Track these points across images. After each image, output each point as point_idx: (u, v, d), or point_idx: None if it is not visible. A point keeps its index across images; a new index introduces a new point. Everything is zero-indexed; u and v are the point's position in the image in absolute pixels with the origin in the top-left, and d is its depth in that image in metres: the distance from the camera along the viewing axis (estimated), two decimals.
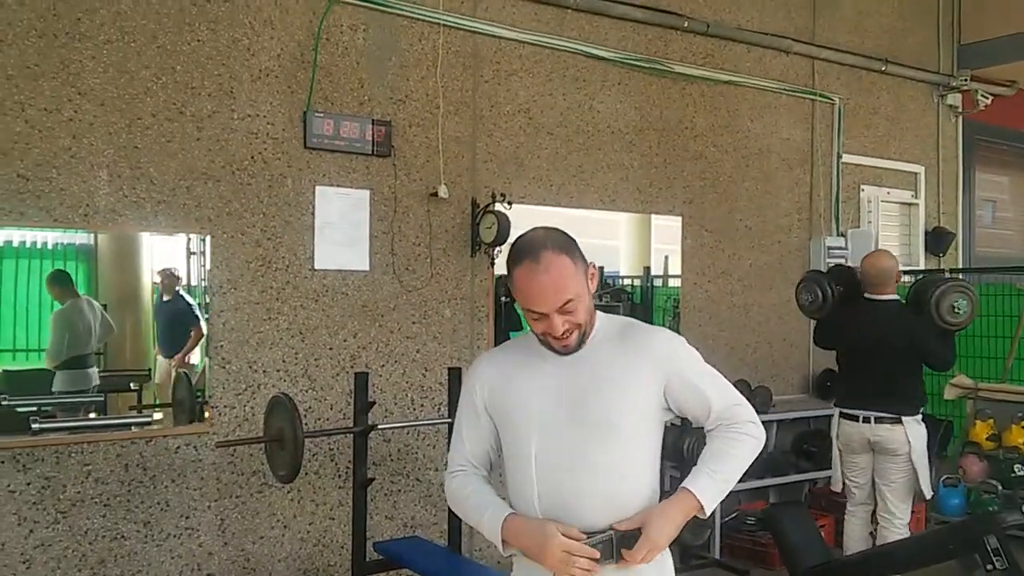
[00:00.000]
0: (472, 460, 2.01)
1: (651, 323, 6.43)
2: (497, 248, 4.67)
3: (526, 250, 1.84)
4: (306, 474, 4.02)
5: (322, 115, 4.21)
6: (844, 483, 4.40)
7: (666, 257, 5.92)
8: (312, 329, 4.18)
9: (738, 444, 1.93)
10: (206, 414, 3.96)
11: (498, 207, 4.59)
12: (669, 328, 5.94)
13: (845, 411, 4.31)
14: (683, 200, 5.56)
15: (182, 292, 4.19)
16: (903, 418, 4.19)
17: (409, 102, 4.49)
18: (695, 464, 1.96)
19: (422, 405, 4.48)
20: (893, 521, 4.25)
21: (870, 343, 4.24)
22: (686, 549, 4.68)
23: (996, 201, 7.99)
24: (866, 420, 4.22)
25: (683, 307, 5.63)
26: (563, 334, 1.83)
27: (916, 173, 6.77)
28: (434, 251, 4.56)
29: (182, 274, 4.22)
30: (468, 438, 2.01)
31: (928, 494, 4.31)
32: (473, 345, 4.67)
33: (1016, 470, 5.39)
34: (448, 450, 2.07)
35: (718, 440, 1.95)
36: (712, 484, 1.89)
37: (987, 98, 6.95)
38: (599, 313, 1.94)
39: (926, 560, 3.60)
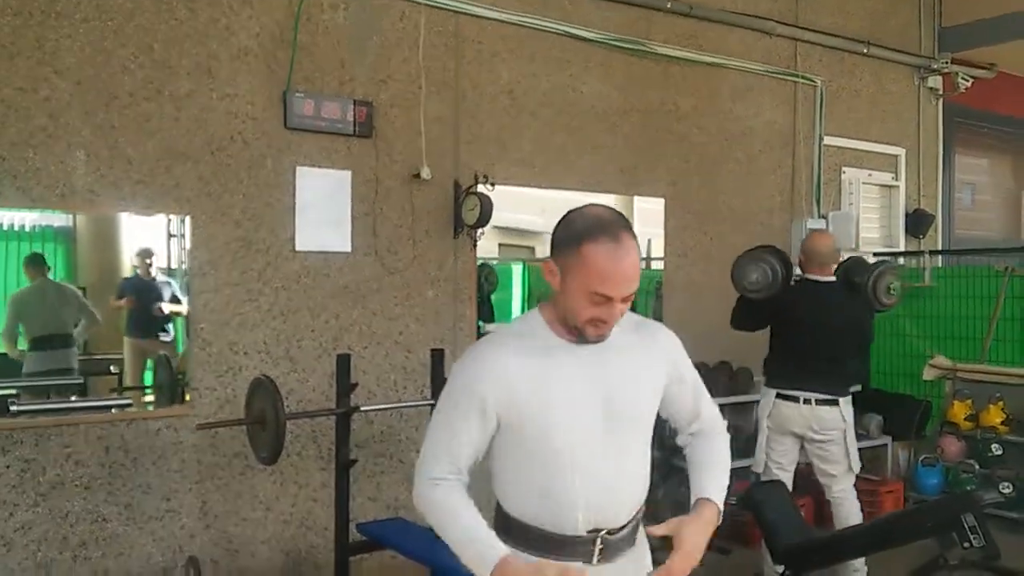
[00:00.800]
0: (461, 466, 1.83)
1: (633, 305, 6.52)
2: (480, 230, 4.66)
3: (602, 227, 1.71)
4: (288, 456, 4.01)
5: (303, 95, 4.17)
6: (767, 466, 4.33)
7: (649, 240, 5.92)
8: (294, 311, 4.16)
9: (725, 447, 2.04)
10: (187, 396, 3.94)
11: (481, 189, 4.58)
12: (653, 311, 6.01)
13: (784, 392, 4.25)
14: (666, 182, 5.56)
15: (159, 273, 4.19)
16: (839, 399, 4.24)
17: (391, 82, 4.46)
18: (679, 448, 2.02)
19: (405, 387, 4.47)
20: (849, 497, 4.30)
21: (817, 324, 4.23)
22: None
23: (975, 184, 8.04)
24: (807, 402, 4.22)
25: (666, 289, 5.64)
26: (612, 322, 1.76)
27: (897, 155, 6.79)
28: (416, 232, 4.54)
29: (162, 255, 4.20)
30: (465, 441, 1.81)
31: (857, 468, 4.35)
32: (456, 327, 4.67)
33: (993, 449, 5.47)
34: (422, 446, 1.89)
35: (710, 445, 2.02)
36: (721, 490, 1.96)
37: (967, 81, 6.96)
38: None
39: (904, 538, 3.64)
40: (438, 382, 3.84)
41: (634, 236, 1.76)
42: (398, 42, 4.48)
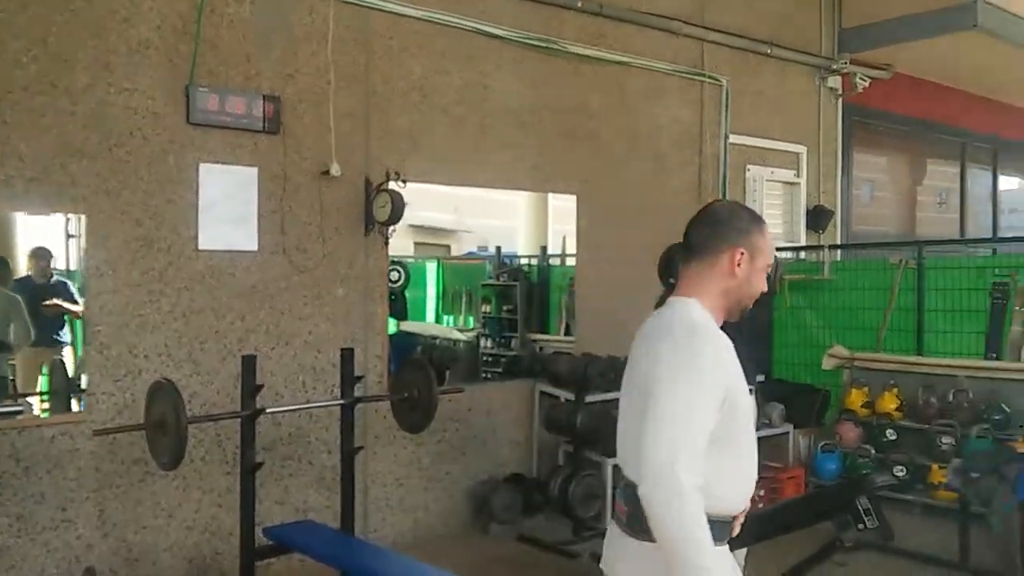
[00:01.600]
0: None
1: (547, 301, 6.58)
2: (391, 227, 4.63)
3: (755, 211, 2.05)
4: (192, 461, 3.93)
5: (206, 89, 4.07)
6: None
7: (564, 237, 5.99)
8: (197, 312, 4.06)
9: None
10: (83, 402, 3.81)
11: (392, 185, 4.55)
12: (566, 307, 6.06)
13: None
14: (578, 179, 5.61)
15: (55, 274, 4.05)
16: (752, 388, 4.35)
17: (299, 77, 4.39)
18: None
19: (314, 387, 4.41)
20: None
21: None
22: (579, 521, 4.79)
23: (874, 180, 8.36)
24: None
25: (577, 285, 5.71)
26: None
27: (798, 153, 7.00)
28: (326, 230, 4.49)
29: (59, 256, 4.06)
30: (706, 432, 1.75)
31: None
32: (367, 325, 4.63)
33: (888, 435, 5.70)
34: (661, 438, 1.73)
35: None
36: None
37: (865, 81, 7.23)
38: None
39: (803, 522, 3.76)
40: (348, 382, 3.81)
41: None
42: (306, 36, 4.40)
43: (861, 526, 3.38)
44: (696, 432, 1.73)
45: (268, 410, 3.59)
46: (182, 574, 4.02)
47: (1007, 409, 5.23)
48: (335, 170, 4.42)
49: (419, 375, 3.89)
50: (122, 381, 3.85)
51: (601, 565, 2.03)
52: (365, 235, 4.63)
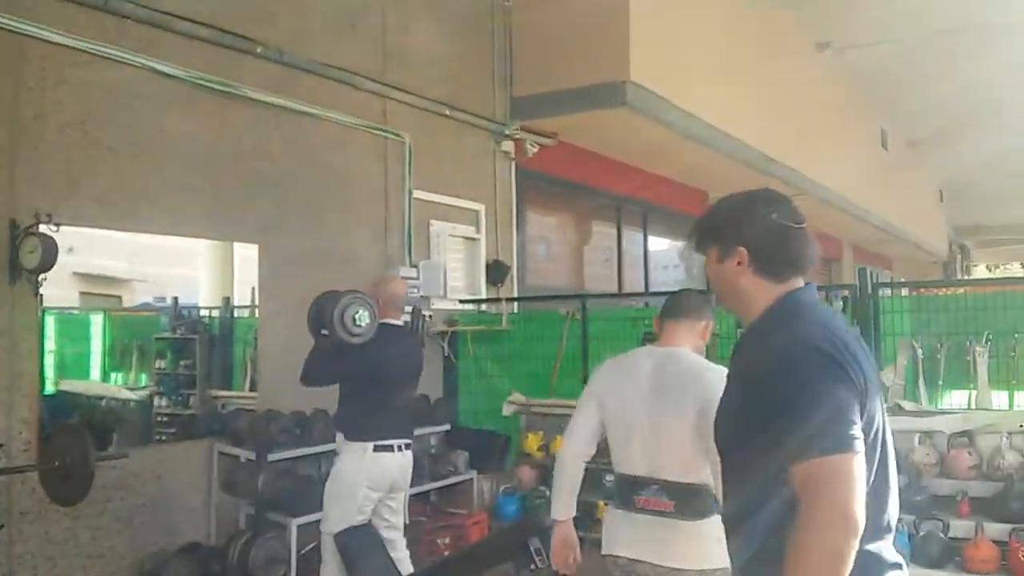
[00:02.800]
0: None
1: (231, 355, 6.24)
2: (42, 275, 4.14)
3: None
4: None
5: None
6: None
7: (253, 288, 5.74)
8: None
9: None
10: None
11: (43, 229, 4.09)
12: (251, 360, 5.78)
13: (382, 444, 4.19)
14: (259, 228, 5.43)
15: None
16: (411, 442, 4.40)
17: None
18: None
19: None
20: (405, 549, 4.40)
21: (399, 369, 4.37)
22: None
23: (548, 238, 9.02)
24: (399, 449, 4.25)
25: (260, 338, 5.49)
26: None
27: (478, 211, 7.37)
28: None
29: None
30: None
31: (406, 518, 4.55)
32: (12, 387, 4.07)
33: None
34: None
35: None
36: None
37: (535, 147, 7.82)
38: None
39: (484, 566, 3.86)
40: None
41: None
42: None
43: (533, 566, 3.54)
44: None
45: None
46: None
47: None
48: None
49: (72, 441, 3.50)
50: None
51: (622, 551, 2.99)
52: (11, 285, 4.10)
